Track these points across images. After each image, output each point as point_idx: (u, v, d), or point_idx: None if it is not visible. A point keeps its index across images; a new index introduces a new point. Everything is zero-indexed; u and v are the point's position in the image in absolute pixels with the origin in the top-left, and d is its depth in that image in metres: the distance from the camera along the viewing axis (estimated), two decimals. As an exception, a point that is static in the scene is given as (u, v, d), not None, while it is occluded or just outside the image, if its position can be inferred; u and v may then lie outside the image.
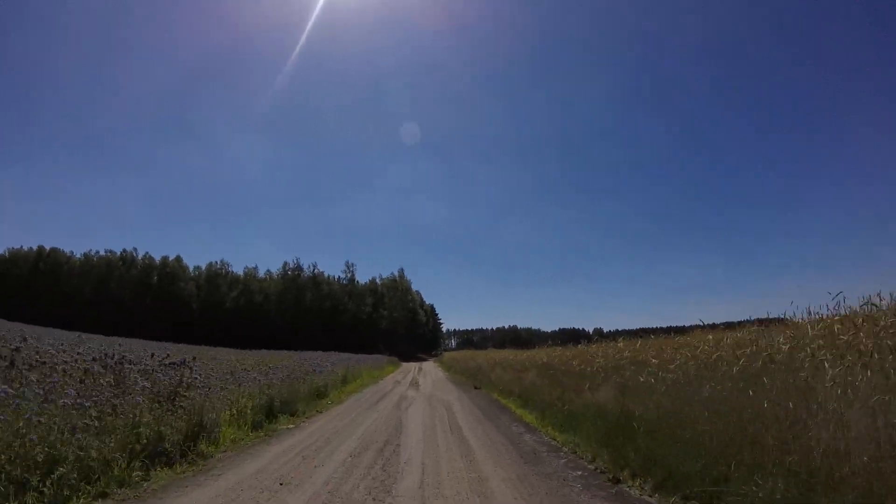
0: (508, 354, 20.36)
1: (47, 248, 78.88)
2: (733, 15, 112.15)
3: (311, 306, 73.13)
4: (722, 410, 4.28)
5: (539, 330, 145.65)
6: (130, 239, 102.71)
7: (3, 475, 3.41)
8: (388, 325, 77.09)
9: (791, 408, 3.57)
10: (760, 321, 6.82)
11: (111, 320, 61.36)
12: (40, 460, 3.64)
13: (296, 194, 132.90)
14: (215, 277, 77.37)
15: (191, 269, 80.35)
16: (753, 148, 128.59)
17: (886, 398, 3.05)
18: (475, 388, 17.27)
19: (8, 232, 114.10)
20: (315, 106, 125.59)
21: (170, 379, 6.44)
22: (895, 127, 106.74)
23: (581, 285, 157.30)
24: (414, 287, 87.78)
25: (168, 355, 9.16)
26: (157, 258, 78.78)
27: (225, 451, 6.07)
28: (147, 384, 5.78)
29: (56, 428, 3.91)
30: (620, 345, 10.12)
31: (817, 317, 5.12)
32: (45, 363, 5.44)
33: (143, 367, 6.79)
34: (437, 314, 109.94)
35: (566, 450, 6.20)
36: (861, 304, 4.57)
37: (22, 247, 79.97)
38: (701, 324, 8.60)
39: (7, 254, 79.48)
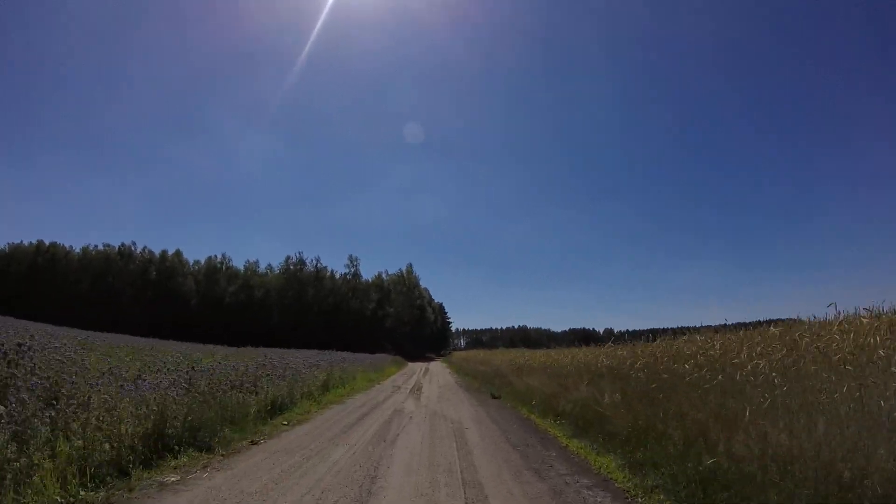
0: (538, 356, 16.50)
1: (47, 242, 76.74)
2: (741, 18, 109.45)
3: (312, 302, 69.51)
4: None
5: (549, 330, 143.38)
6: (137, 237, 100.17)
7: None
8: (393, 322, 73.23)
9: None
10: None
11: (110, 317, 58.40)
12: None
13: (302, 193, 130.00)
14: (214, 272, 74.15)
15: (191, 263, 77.64)
16: (766, 152, 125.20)
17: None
18: (493, 397, 13.50)
19: (10, 230, 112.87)
20: (322, 105, 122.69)
21: None
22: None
23: (590, 286, 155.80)
24: (422, 285, 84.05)
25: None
26: (157, 252, 76.14)
27: None
28: None
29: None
30: (741, 334, 6.31)
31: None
32: None
33: None
34: (445, 312, 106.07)
35: None
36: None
37: (22, 241, 77.91)
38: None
39: (7, 248, 77.48)
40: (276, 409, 8.84)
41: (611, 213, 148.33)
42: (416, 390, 15.47)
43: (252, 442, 6.34)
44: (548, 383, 9.72)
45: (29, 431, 3.91)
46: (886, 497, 2.72)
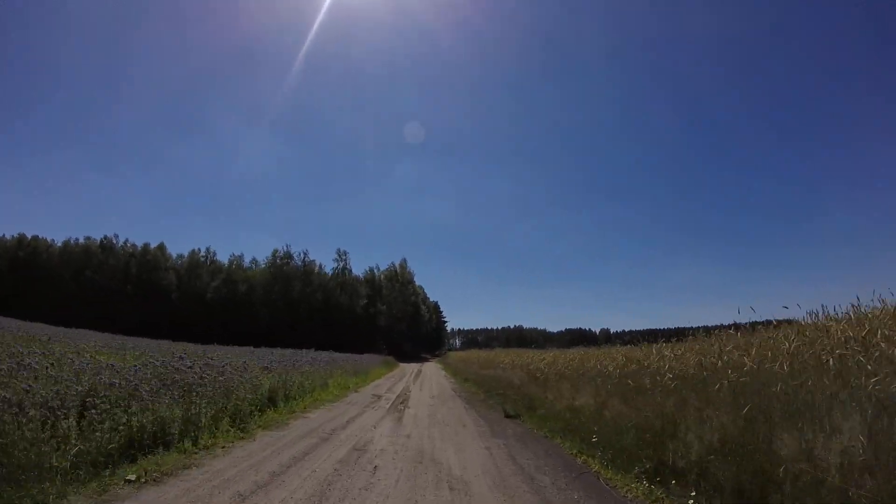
0: (560, 357, 12.70)
1: (29, 236, 71.84)
2: (748, 18, 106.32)
3: (300, 298, 65.13)
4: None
5: (545, 330, 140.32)
6: (138, 237, 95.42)
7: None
8: (387, 320, 69.00)
9: None
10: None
11: (91, 312, 53.77)
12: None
13: (301, 193, 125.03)
14: (196, 266, 69.71)
15: (174, 257, 73.10)
16: (766, 152, 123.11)
17: None
18: (507, 416, 9.67)
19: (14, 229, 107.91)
20: (321, 104, 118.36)
21: None
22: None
23: (586, 286, 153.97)
24: (417, 283, 79.88)
25: None
26: (140, 246, 71.51)
27: None
28: None
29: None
30: None
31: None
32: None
33: None
34: (441, 312, 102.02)
35: None
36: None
37: (4, 235, 72.98)
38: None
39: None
40: (132, 452, 4.99)
41: (609, 211, 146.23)
42: (401, 403, 11.62)
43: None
44: (617, 404, 5.76)
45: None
46: None
